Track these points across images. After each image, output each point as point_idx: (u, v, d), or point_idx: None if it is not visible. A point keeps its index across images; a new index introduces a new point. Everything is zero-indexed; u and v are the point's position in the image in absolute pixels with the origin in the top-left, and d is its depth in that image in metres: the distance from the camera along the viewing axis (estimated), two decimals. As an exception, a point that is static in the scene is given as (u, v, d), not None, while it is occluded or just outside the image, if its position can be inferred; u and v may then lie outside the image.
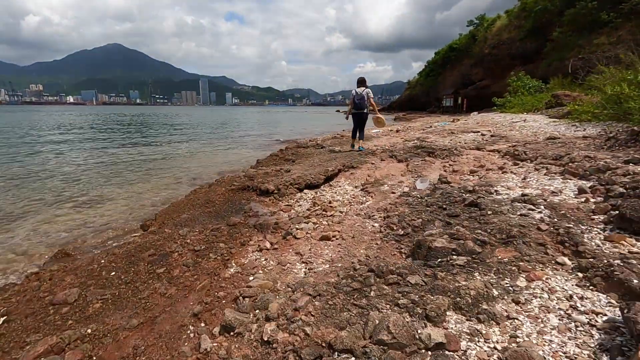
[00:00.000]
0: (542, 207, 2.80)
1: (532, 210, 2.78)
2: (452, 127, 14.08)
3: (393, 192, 4.34)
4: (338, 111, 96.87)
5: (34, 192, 6.95)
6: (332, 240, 3.06)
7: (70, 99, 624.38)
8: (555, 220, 2.50)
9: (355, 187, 5.05)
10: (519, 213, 2.75)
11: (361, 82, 7.80)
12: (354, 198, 4.44)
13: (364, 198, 4.34)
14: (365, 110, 7.81)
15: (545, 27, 27.18)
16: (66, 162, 10.68)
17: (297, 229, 3.50)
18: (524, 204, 2.94)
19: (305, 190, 5.07)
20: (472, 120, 19.20)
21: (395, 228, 2.86)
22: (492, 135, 8.30)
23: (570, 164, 3.73)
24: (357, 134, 8.19)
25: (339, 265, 2.53)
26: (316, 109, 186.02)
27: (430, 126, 16.56)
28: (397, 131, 15.01)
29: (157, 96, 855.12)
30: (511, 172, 4.35)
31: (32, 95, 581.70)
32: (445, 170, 5.35)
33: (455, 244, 2.30)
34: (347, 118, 8.27)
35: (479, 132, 10.47)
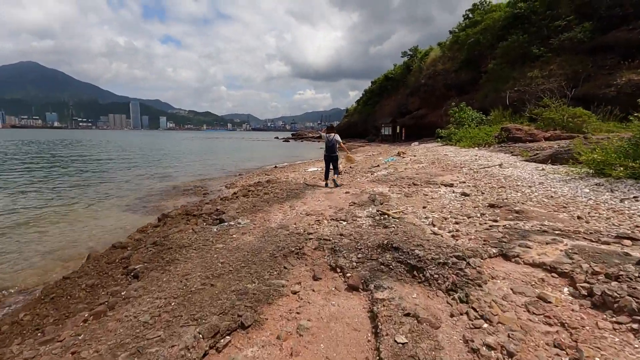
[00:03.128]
0: None
1: None
2: (407, 170, 11.17)
3: None
4: (277, 138, 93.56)
5: None
6: None
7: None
8: None
9: None
10: None
11: (330, 128, 9.08)
12: None
13: None
14: (336, 153, 8.80)
15: (479, 59, 27.17)
16: None
17: None
18: None
19: None
20: (421, 154, 16.81)
21: None
22: (490, 205, 5.15)
23: None
24: (331, 173, 8.96)
25: None
26: (255, 135, 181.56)
27: (378, 165, 13.62)
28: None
29: (79, 119, 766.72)
30: None
31: None
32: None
33: None
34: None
35: (452, 185, 7.48)
